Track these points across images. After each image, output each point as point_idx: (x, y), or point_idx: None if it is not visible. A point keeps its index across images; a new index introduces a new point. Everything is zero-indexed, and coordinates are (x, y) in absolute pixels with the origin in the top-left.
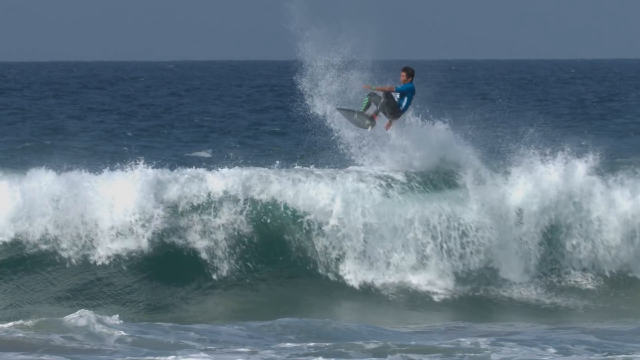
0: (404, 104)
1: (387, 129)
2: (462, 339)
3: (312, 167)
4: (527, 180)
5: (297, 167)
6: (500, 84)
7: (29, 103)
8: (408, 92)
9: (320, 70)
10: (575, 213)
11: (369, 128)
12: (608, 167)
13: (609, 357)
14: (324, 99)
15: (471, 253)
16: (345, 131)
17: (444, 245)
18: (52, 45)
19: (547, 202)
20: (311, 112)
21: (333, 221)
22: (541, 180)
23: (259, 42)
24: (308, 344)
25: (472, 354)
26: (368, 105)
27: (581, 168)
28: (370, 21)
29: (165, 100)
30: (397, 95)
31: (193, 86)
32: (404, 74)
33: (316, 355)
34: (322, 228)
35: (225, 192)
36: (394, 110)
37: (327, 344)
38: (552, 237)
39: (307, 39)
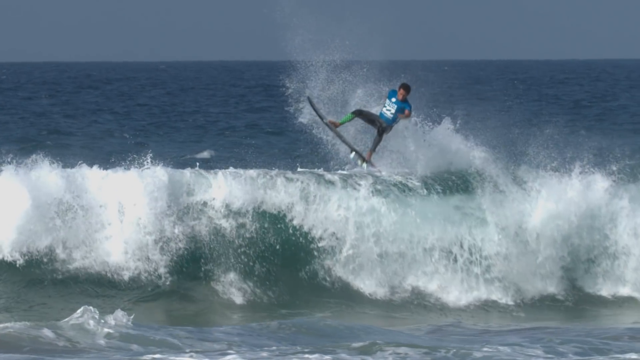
0: (397, 118)
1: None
2: (451, 337)
3: (320, 170)
4: (548, 197)
5: (301, 169)
6: (501, 84)
7: (25, 103)
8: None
9: (313, 69)
10: (576, 217)
11: (363, 165)
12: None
13: (598, 357)
14: (316, 105)
15: (470, 260)
16: (341, 146)
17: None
18: (45, 47)
19: (552, 214)
20: (298, 121)
21: (347, 250)
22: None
23: (254, 43)
24: (299, 342)
25: (455, 350)
26: (350, 120)
27: (604, 182)
28: (364, 21)
29: (160, 100)
30: (391, 110)
31: (187, 86)
32: (403, 92)
33: (303, 353)
34: (329, 243)
35: (227, 196)
36: (388, 131)
37: (318, 342)
38: (552, 244)
39: (297, 28)
